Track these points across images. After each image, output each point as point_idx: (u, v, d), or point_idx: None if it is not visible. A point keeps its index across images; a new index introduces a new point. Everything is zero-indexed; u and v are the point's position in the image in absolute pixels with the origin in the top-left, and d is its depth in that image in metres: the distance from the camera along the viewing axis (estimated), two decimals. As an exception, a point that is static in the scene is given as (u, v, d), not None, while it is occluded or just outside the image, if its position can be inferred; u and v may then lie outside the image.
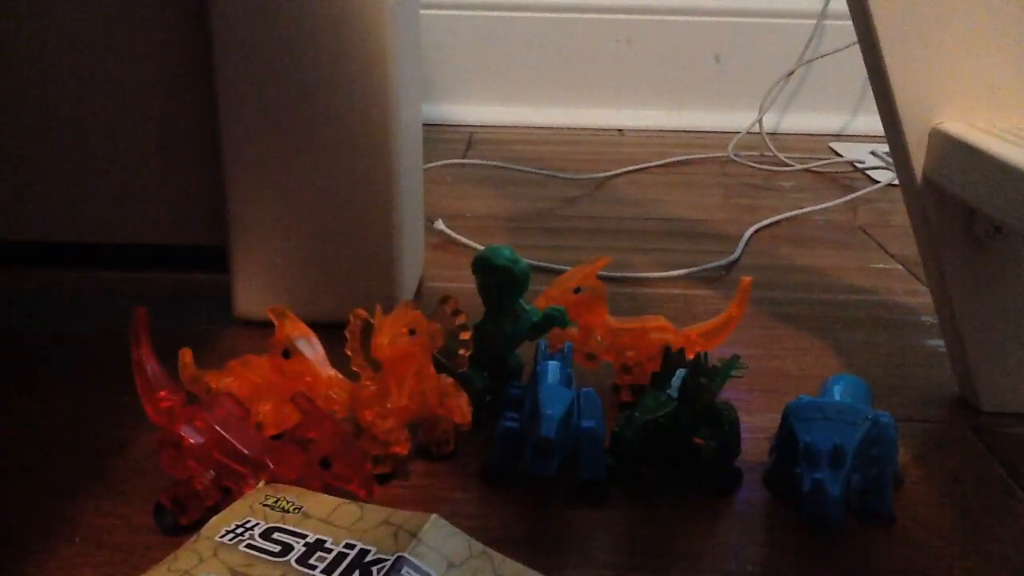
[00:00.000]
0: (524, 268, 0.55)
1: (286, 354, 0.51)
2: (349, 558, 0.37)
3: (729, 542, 0.47)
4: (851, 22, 0.57)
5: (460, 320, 0.51)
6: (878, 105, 0.57)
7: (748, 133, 1.38)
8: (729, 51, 1.49)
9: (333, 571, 0.37)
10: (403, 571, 0.36)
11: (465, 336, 0.52)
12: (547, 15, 1.48)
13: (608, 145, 1.39)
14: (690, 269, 0.84)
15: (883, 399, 0.60)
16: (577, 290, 0.58)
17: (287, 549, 0.38)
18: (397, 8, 0.63)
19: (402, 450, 0.50)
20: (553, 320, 0.57)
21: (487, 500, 0.49)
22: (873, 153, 1.31)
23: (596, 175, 1.17)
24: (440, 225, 0.92)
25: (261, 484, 0.44)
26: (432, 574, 0.37)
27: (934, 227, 0.57)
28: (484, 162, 1.22)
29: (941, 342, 0.65)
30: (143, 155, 0.70)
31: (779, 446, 0.49)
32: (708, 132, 1.46)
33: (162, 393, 0.48)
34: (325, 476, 0.45)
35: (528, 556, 0.45)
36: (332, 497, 0.43)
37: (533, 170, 1.17)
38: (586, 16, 1.48)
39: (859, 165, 1.26)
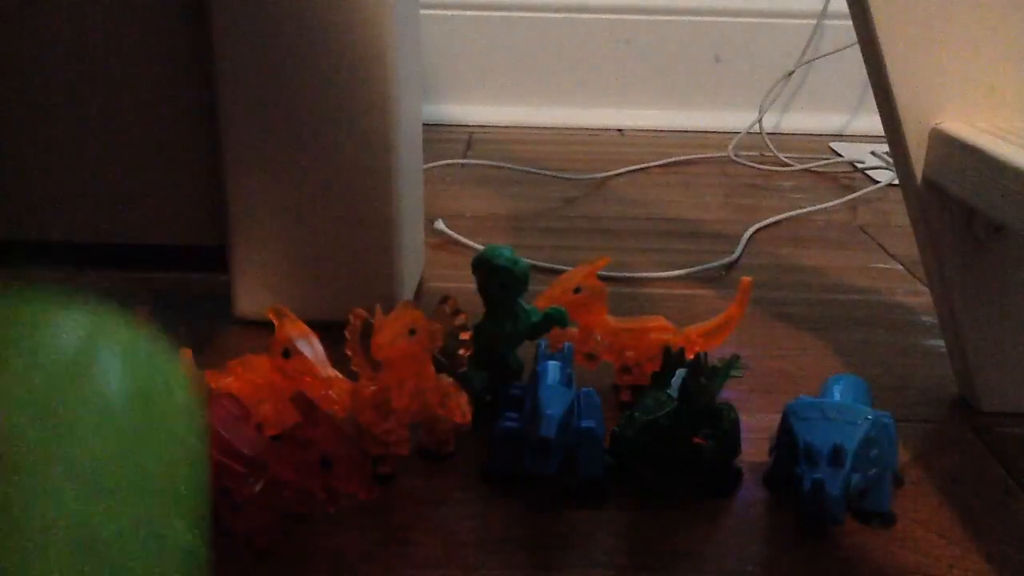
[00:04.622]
0: (524, 268, 0.55)
1: (286, 354, 0.51)
2: None
3: (729, 542, 0.47)
4: (851, 22, 0.57)
5: (460, 320, 0.51)
6: (878, 105, 0.57)
7: (748, 133, 1.37)
8: (729, 51, 1.49)
9: None
10: None
11: (465, 336, 0.52)
12: (547, 15, 1.48)
13: (608, 145, 1.39)
14: (690, 269, 0.84)
15: (883, 399, 0.60)
16: (577, 290, 0.58)
17: None
18: (397, 8, 0.63)
19: (402, 450, 0.50)
20: (553, 320, 0.57)
21: (487, 500, 0.49)
22: (873, 153, 1.31)
23: (596, 175, 1.17)
24: (440, 225, 0.92)
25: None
26: None
27: (934, 227, 0.57)
28: (484, 162, 1.21)
29: (941, 342, 0.65)
30: (143, 155, 0.70)
31: (779, 446, 0.49)
32: (708, 132, 1.46)
33: (162, 393, 0.48)
34: (325, 476, 0.45)
35: (528, 556, 0.45)
36: None
37: (533, 170, 1.17)
38: (586, 16, 1.48)
39: (859, 165, 1.26)
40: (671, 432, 0.48)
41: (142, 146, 0.69)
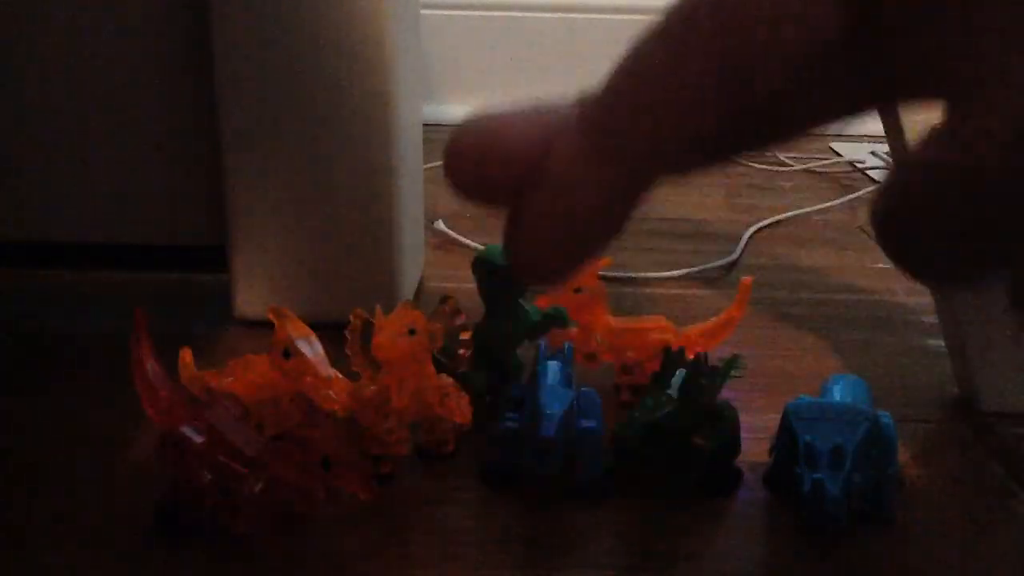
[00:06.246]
0: (524, 268, 0.55)
1: (286, 354, 0.51)
2: None
3: (729, 542, 0.47)
4: (851, 22, 0.57)
5: (460, 320, 0.51)
6: (878, 105, 0.57)
7: (748, 133, 1.37)
8: (729, 51, 1.49)
9: None
10: None
11: (465, 336, 0.52)
12: (547, 15, 1.48)
13: (608, 145, 1.39)
14: (690, 269, 0.84)
15: (883, 399, 0.59)
16: (577, 290, 0.58)
17: None
18: (397, 8, 0.63)
19: (402, 450, 0.50)
20: (553, 320, 0.57)
21: (487, 500, 0.49)
22: (873, 153, 1.31)
23: (596, 175, 1.17)
24: (440, 225, 0.92)
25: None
26: None
27: (934, 227, 0.57)
28: (484, 162, 1.21)
29: (941, 342, 0.65)
30: (143, 155, 0.70)
31: (779, 446, 0.49)
32: (708, 132, 1.45)
33: (162, 393, 0.48)
34: (325, 476, 0.45)
35: (528, 556, 0.45)
36: None
37: (533, 170, 1.16)
38: (586, 16, 1.48)
39: (859, 165, 1.26)
40: (671, 432, 0.48)
41: (142, 146, 0.69)
